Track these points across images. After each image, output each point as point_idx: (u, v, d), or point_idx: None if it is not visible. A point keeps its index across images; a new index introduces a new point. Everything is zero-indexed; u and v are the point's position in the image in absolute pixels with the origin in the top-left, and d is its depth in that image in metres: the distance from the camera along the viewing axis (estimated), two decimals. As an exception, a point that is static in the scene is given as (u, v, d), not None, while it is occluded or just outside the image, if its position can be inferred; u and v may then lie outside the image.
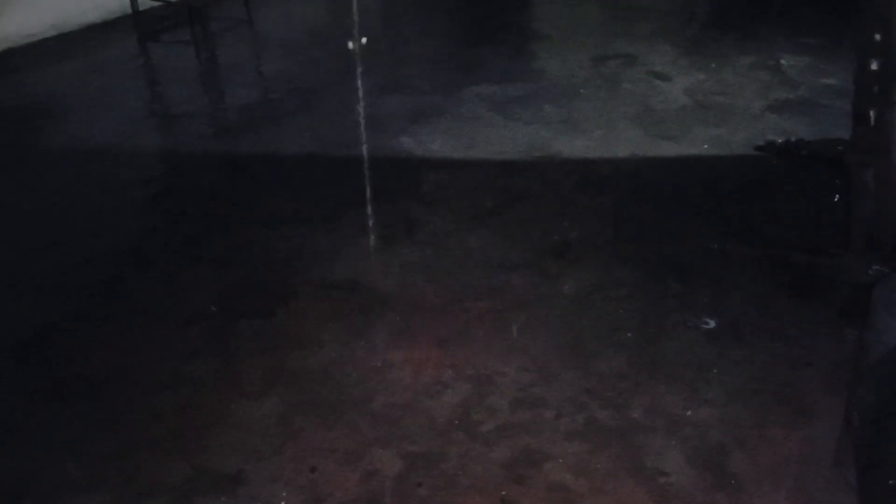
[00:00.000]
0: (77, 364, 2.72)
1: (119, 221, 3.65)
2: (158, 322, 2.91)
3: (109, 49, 5.81)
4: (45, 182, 4.03)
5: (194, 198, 3.83)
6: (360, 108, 4.67)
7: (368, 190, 3.77)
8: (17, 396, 2.59)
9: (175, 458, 2.30)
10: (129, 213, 3.72)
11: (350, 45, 4.90)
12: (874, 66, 2.90)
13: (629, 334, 2.74)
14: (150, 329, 2.88)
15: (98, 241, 3.47)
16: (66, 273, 3.24)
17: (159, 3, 6.18)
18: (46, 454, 2.34)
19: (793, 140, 3.95)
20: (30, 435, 2.43)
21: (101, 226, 3.61)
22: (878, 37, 2.85)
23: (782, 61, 5.00)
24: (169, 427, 2.42)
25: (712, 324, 2.77)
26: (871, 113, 2.96)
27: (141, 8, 6.14)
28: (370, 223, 3.49)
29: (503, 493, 2.15)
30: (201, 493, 2.18)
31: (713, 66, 5.01)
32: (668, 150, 4.02)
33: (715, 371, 2.55)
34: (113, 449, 2.34)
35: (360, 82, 5.05)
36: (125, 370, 2.68)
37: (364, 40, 4.79)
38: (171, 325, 2.88)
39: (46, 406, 2.54)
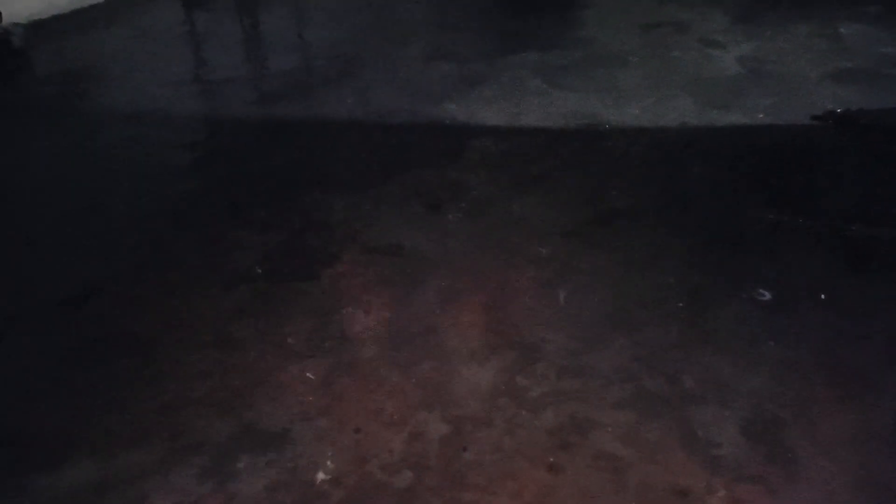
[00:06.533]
0: (123, 321, 2.73)
1: (162, 184, 3.65)
2: (202, 283, 2.91)
3: (155, 15, 5.82)
4: (90, 145, 4.05)
5: (237, 162, 3.82)
6: (405, 75, 4.62)
7: (412, 156, 3.73)
8: (65, 351, 2.62)
9: (221, 416, 2.30)
10: (173, 177, 3.72)
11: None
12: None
13: (680, 304, 2.67)
14: (195, 289, 2.88)
15: (142, 203, 3.49)
16: (110, 233, 3.26)
17: (204, -30, 6.17)
18: (94, 409, 2.36)
19: (852, 109, 3.80)
20: (78, 390, 2.45)
21: (145, 188, 3.62)
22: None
23: (841, 29, 4.81)
24: (215, 385, 2.42)
25: (767, 296, 2.68)
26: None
27: (186, -26, 6.14)
28: (414, 189, 3.45)
29: (550, 459, 2.11)
30: (247, 450, 2.18)
31: (768, 34, 4.84)
32: (721, 119, 3.90)
33: (771, 343, 2.48)
34: (159, 405, 2.36)
35: (404, 49, 4.99)
36: (171, 329, 2.68)
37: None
38: (215, 286, 2.88)
39: (93, 362, 2.56)
